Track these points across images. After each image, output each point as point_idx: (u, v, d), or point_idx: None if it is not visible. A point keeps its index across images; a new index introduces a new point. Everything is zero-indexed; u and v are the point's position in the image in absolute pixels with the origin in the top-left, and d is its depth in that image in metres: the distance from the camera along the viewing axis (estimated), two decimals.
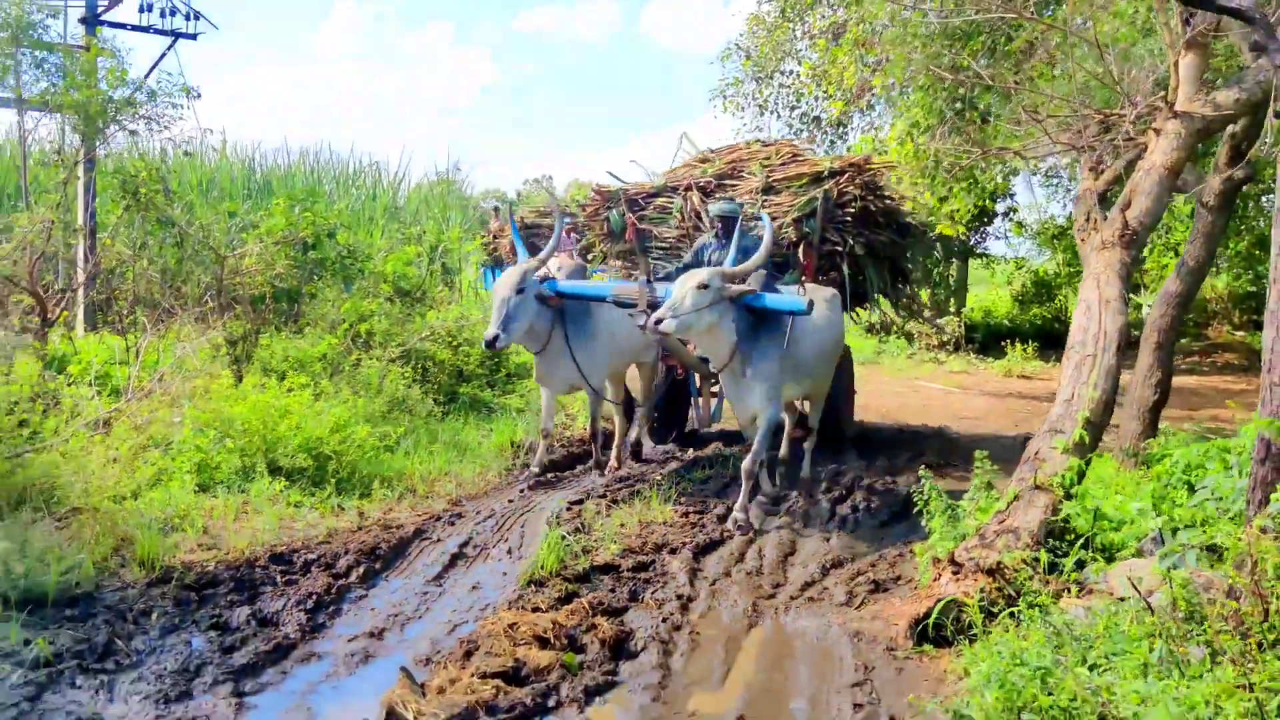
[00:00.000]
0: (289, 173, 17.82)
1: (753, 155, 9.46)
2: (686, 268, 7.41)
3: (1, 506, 5.66)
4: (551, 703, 4.14)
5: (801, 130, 14.12)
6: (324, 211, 11.67)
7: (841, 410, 9.15)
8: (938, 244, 11.23)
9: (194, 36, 12.75)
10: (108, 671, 4.29)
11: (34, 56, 9.89)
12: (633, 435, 8.80)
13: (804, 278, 8.27)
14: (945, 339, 16.74)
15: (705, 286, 6.28)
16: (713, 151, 9.96)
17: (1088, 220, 6.52)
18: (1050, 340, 17.47)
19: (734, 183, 9.14)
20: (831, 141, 14.23)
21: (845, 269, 8.50)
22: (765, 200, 8.73)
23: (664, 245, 9.21)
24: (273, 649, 4.59)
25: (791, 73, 13.59)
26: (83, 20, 12.26)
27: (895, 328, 16.09)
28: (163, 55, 12.22)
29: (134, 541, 5.53)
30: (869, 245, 8.71)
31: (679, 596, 5.37)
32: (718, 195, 8.85)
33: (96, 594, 5.03)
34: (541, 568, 5.53)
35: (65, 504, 5.83)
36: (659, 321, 6.09)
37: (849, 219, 8.54)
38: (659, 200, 9.32)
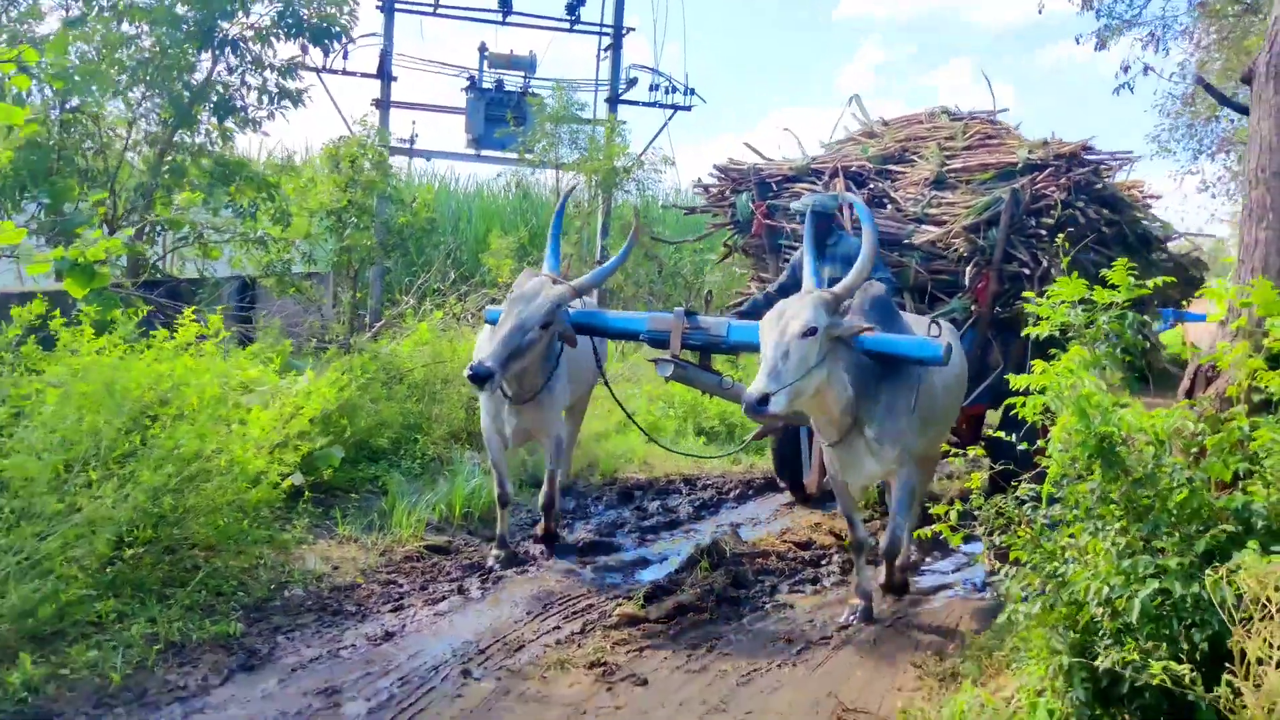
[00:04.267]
0: None
1: (934, 133, 7.93)
2: (784, 291, 6.18)
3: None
4: (823, 561, 6.68)
5: (1239, 175, 14.43)
6: None
7: None
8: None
9: (688, 108, 16.69)
10: (572, 523, 7.54)
11: (571, 130, 14.18)
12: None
13: (976, 306, 6.78)
14: None
15: (812, 331, 4.79)
16: (884, 124, 8.44)
17: None
18: None
19: (900, 169, 7.60)
20: None
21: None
22: (934, 197, 7.17)
23: (799, 244, 6.98)
24: (668, 523, 7.59)
25: (1233, 120, 14.22)
26: (607, 100, 16.70)
27: None
28: (662, 127, 16.31)
29: (598, 463, 8.89)
30: (1079, 266, 6.09)
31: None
32: (874, 182, 7.47)
33: (572, 486, 8.39)
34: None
35: None
36: (763, 401, 4.56)
37: (1045, 231, 6.70)
38: (799, 186, 7.68)
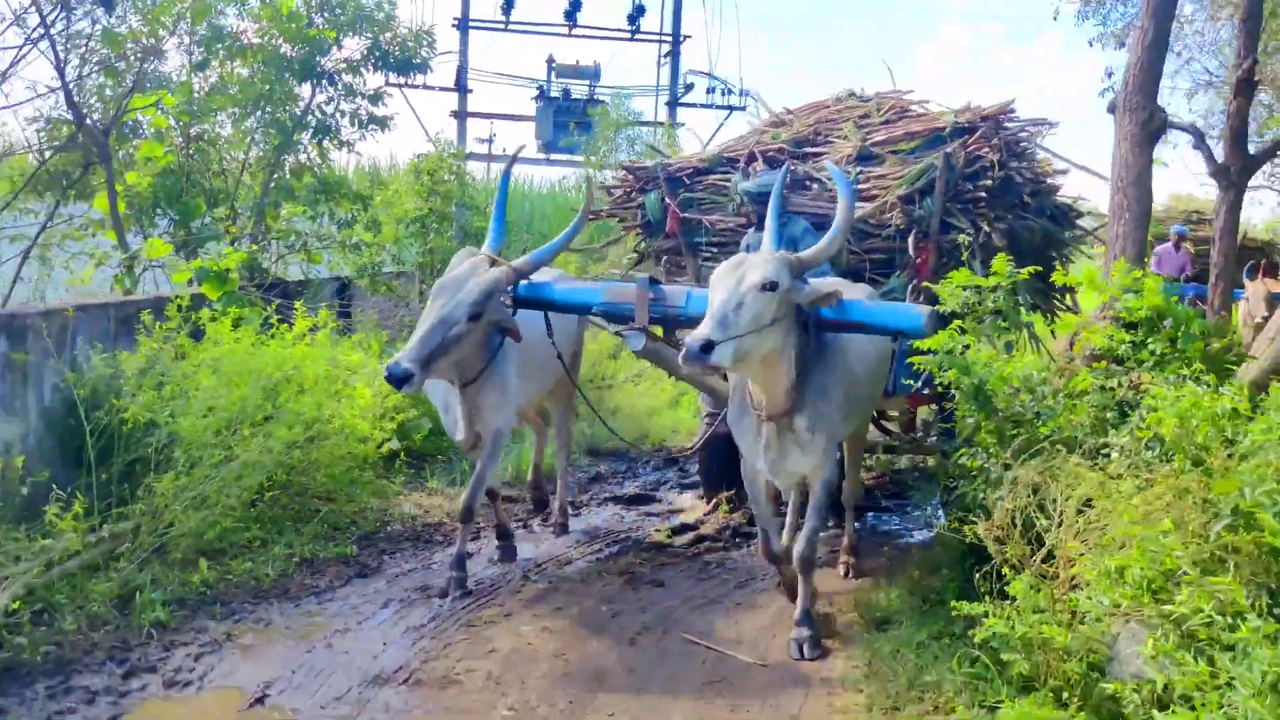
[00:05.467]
0: None
1: (845, 113, 7.70)
2: None
3: (592, 413, 10.82)
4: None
5: None
6: None
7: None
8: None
9: (743, 109, 18.08)
10: (623, 480, 9.02)
11: (629, 136, 15.67)
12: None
13: (917, 281, 6.40)
14: None
15: (772, 286, 4.52)
16: (790, 112, 8.14)
17: None
18: None
19: (818, 151, 7.33)
20: None
21: (978, 268, 5.95)
22: (861, 172, 6.89)
23: (719, 239, 7.30)
24: None
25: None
26: (667, 104, 18.16)
27: None
28: (718, 128, 17.68)
29: (649, 433, 10.35)
30: (1012, 235, 6.52)
31: None
32: (793, 165, 7.00)
33: (625, 452, 9.87)
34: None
35: (620, 414, 10.84)
36: (707, 347, 4.25)
37: (984, 195, 6.49)
38: (712, 178, 7.40)
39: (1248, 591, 3.16)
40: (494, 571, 6.30)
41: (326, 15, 10.75)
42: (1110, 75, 10.31)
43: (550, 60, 18.08)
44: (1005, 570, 4.05)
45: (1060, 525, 3.99)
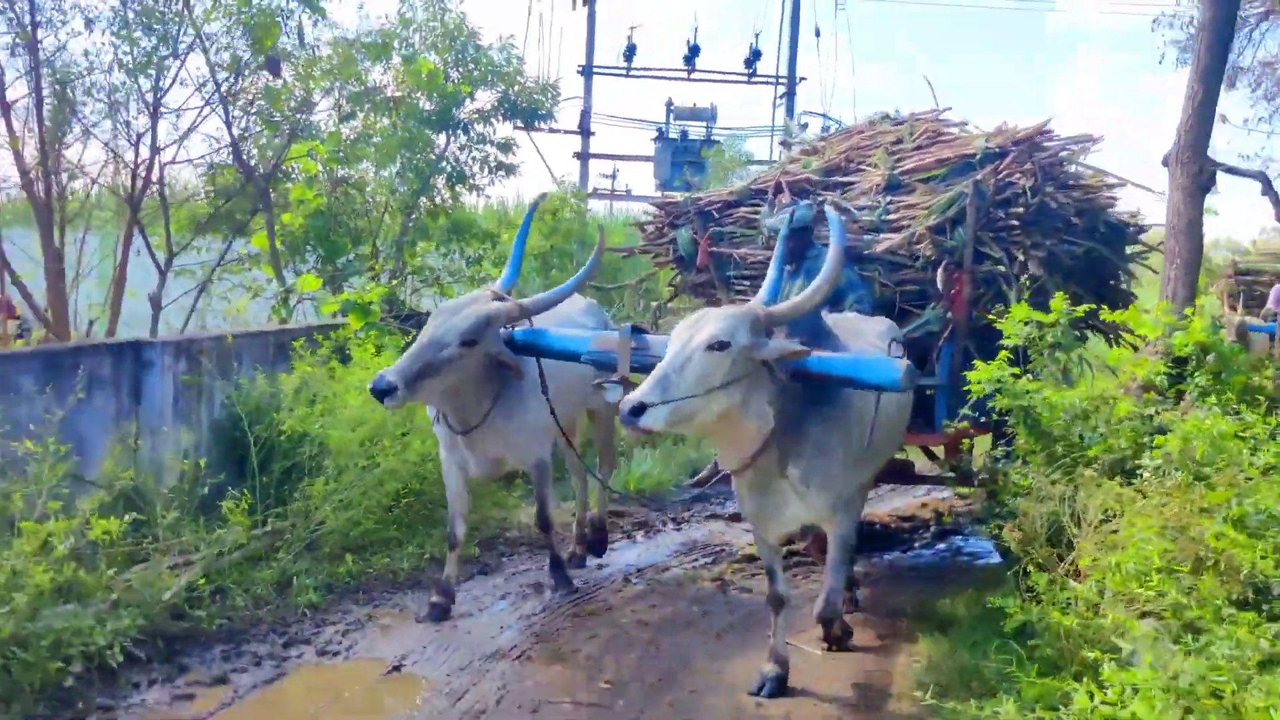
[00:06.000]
0: None
1: (877, 139, 7.57)
2: None
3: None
4: (918, 530, 8.57)
5: None
6: None
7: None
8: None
9: None
10: (724, 501, 9.67)
11: (741, 176, 16.43)
12: None
13: (952, 314, 6.30)
14: None
15: (722, 346, 4.29)
16: (823, 140, 8.24)
17: None
18: None
19: (848, 179, 7.26)
20: None
21: (1015, 299, 5.93)
22: (891, 202, 6.76)
23: (750, 272, 7.14)
24: None
25: None
26: (782, 143, 18.85)
27: None
28: None
29: None
30: (1054, 260, 6.43)
31: None
32: (822, 195, 6.95)
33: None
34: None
35: None
36: (638, 410, 4.06)
37: (1017, 222, 6.35)
38: (741, 211, 7.39)
39: (1233, 587, 3.72)
40: (598, 575, 7.07)
41: (461, 70, 11.82)
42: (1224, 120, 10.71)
43: (669, 103, 19.01)
44: (1030, 569, 4.62)
45: (1081, 531, 4.56)
